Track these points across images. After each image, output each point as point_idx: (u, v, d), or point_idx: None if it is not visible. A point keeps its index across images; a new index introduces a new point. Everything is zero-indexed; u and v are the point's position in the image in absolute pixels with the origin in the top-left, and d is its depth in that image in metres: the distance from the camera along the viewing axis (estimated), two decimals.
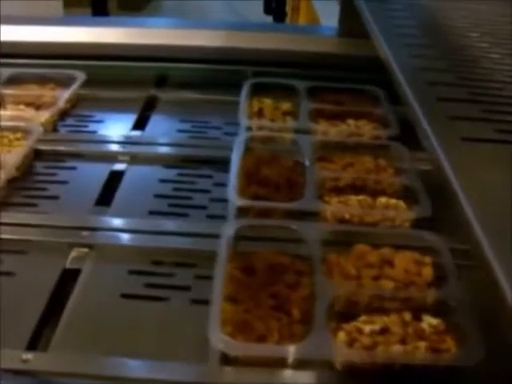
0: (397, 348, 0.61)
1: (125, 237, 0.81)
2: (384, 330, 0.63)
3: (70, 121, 1.10)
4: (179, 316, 0.70)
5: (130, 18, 2.32)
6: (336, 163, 0.91)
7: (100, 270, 0.76)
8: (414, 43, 0.80)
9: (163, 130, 1.08)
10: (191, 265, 0.77)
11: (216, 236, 0.78)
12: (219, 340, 0.60)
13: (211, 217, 0.86)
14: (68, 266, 0.77)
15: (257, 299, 0.67)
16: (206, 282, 0.72)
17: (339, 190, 0.85)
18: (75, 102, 1.13)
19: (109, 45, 1.25)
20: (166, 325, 0.69)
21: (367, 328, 0.63)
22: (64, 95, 1.07)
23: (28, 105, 1.06)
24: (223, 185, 0.92)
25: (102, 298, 0.72)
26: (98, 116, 1.13)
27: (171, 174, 0.96)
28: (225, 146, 0.99)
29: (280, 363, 0.61)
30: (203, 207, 0.88)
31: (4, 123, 0.98)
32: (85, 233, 0.80)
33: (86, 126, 1.09)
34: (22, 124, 0.98)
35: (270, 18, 3.20)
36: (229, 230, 0.75)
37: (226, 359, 0.62)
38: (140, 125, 1.10)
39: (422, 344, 0.62)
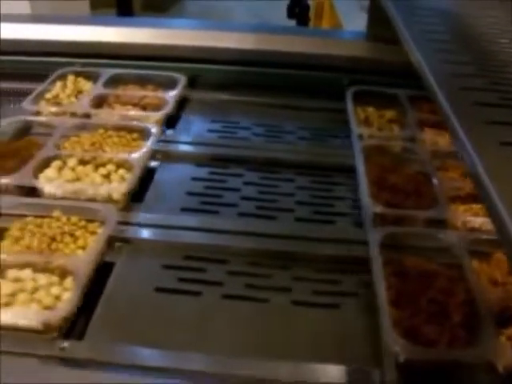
0: None
1: (158, 232, 0.81)
2: None
3: None
4: (211, 310, 0.71)
5: (169, 19, 2.30)
6: (452, 172, 0.92)
7: (134, 264, 0.77)
8: (444, 49, 0.80)
9: (193, 130, 1.09)
10: (222, 261, 0.78)
11: (246, 233, 0.80)
12: (396, 343, 0.62)
13: (242, 214, 0.87)
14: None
15: (416, 304, 0.68)
16: (238, 278, 0.75)
17: (461, 199, 0.86)
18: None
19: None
20: (198, 318, 0.70)
21: None
22: (172, 97, 1.08)
23: (134, 105, 1.07)
24: (253, 183, 0.94)
25: (136, 291, 0.73)
26: None
27: (203, 172, 0.97)
28: (256, 146, 1.01)
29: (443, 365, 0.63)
30: (234, 205, 0.89)
31: (124, 122, 1.00)
32: (119, 227, 0.81)
33: None
34: (141, 124, 1.00)
35: (293, 23, 3.20)
36: (377, 237, 0.76)
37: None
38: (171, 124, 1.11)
39: None
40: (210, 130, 1.09)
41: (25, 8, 1.99)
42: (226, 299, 0.73)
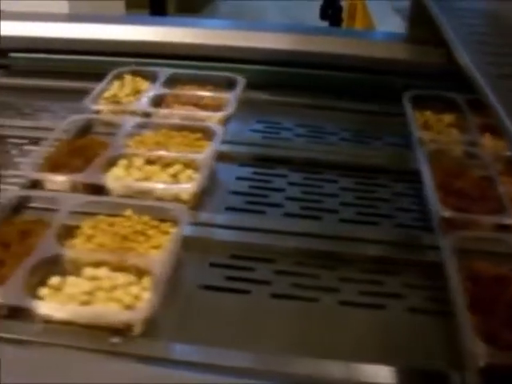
0: None
1: (204, 230, 0.82)
2: None
3: None
4: (260, 308, 0.72)
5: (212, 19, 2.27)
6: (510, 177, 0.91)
7: (182, 262, 0.77)
8: (491, 51, 0.79)
9: (238, 130, 1.08)
10: (269, 260, 0.78)
11: (292, 233, 0.81)
12: (478, 347, 0.61)
13: (287, 215, 0.87)
14: None
15: (492, 309, 0.68)
16: (286, 278, 0.76)
17: None
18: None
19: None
20: (246, 316, 0.70)
21: None
22: (232, 98, 1.07)
23: (193, 105, 1.07)
24: (298, 184, 0.94)
25: (184, 289, 0.74)
26: None
27: (246, 172, 0.97)
28: (298, 147, 1.03)
29: None
30: (279, 205, 0.89)
31: (189, 122, 1.00)
32: None
33: None
34: (206, 125, 0.99)
35: (325, 24, 3.19)
36: (449, 241, 0.76)
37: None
38: None
39: None
40: (254, 130, 1.09)
41: (63, 7, 2.01)
42: (275, 298, 0.73)
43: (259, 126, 1.10)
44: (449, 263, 0.72)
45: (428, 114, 1.09)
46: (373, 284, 0.76)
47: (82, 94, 1.08)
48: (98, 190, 0.85)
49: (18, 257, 0.71)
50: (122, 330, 0.64)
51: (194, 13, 3.81)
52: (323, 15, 3.27)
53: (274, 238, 0.81)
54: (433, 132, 1.03)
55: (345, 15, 3.16)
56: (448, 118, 1.08)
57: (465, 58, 0.79)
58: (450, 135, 1.03)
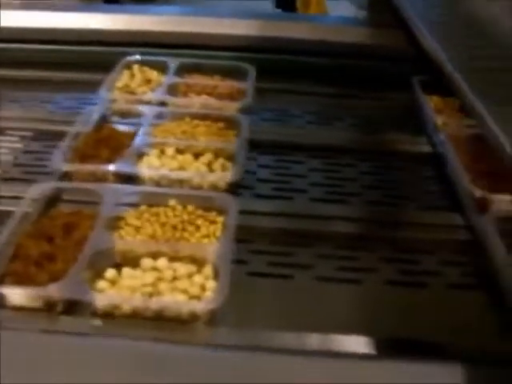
0: None
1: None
2: None
3: None
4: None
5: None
6: None
7: None
8: (456, 34, 0.81)
9: None
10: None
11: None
12: None
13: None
14: None
15: None
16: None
17: None
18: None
19: None
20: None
21: None
22: (248, 87, 1.07)
23: (207, 94, 1.06)
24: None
25: None
26: None
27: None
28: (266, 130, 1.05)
29: None
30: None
31: (211, 111, 1.00)
32: None
33: None
34: (231, 114, 0.99)
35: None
36: (489, 219, 0.78)
37: None
38: None
39: None
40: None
41: None
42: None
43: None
44: (491, 240, 0.75)
45: (435, 98, 1.10)
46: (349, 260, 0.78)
47: (60, 84, 1.14)
48: (130, 179, 0.84)
49: (67, 250, 0.70)
50: (186, 321, 0.64)
51: (147, 1, 3.74)
52: (278, 3, 3.28)
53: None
54: (444, 116, 1.05)
55: (299, 3, 3.18)
56: (453, 101, 1.08)
57: (428, 40, 0.80)
58: (460, 119, 1.04)
